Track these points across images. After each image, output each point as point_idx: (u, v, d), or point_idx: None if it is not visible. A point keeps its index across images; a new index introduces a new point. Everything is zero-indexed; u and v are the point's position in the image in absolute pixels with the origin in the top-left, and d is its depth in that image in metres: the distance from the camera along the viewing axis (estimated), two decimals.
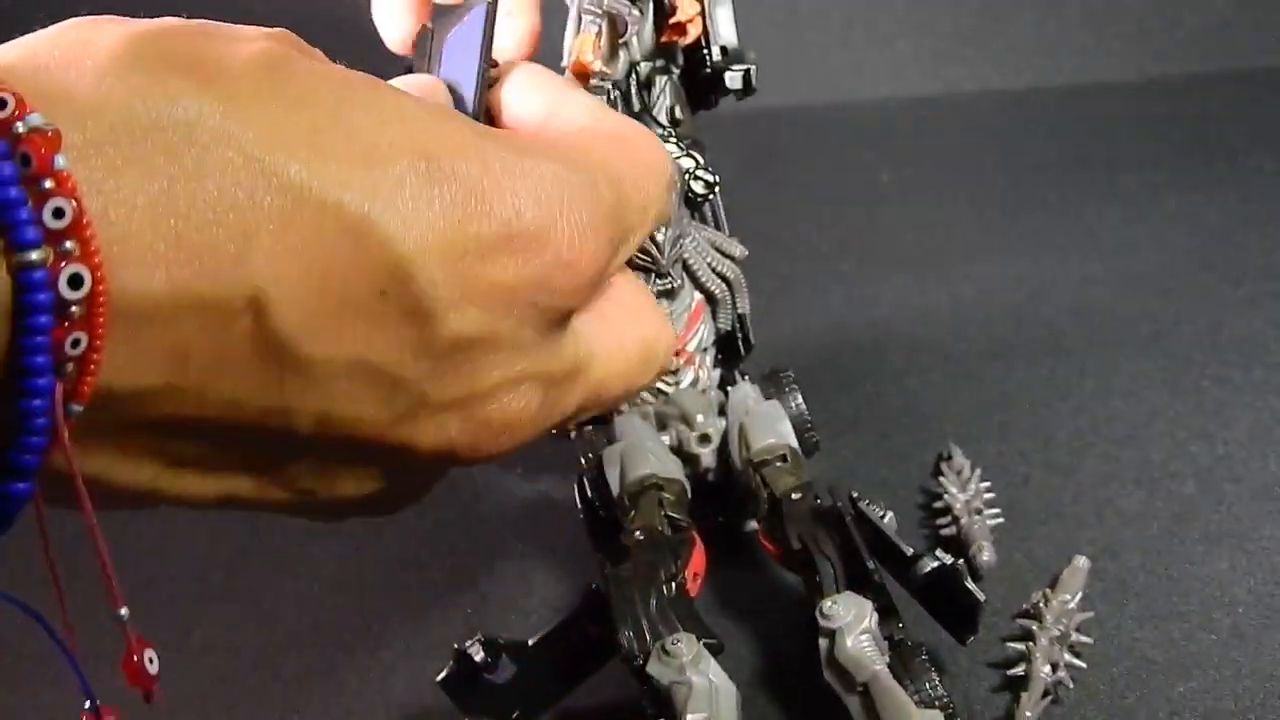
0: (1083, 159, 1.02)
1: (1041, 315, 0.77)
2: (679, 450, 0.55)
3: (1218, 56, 1.19)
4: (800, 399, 0.58)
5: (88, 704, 0.28)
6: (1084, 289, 0.80)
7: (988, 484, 0.59)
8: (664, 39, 0.53)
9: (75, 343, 0.24)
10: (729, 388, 0.58)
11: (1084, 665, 0.49)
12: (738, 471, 0.54)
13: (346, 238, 0.26)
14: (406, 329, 0.28)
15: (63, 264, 0.23)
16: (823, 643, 0.44)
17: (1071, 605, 0.50)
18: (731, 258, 0.56)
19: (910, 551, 0.47)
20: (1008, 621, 0.52)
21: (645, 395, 0.56)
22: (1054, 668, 0.48)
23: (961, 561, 0.46)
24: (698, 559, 0.51)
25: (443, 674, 0.45)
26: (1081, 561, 0.54)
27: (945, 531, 0.57)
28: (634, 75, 0.53)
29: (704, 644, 0.45)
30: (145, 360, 0.25)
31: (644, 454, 0.53)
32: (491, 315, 0.29)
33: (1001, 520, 0.57)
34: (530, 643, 0.47)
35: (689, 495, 0.54)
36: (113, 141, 0.24)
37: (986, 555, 0.53)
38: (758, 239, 0.82)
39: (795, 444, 0.54)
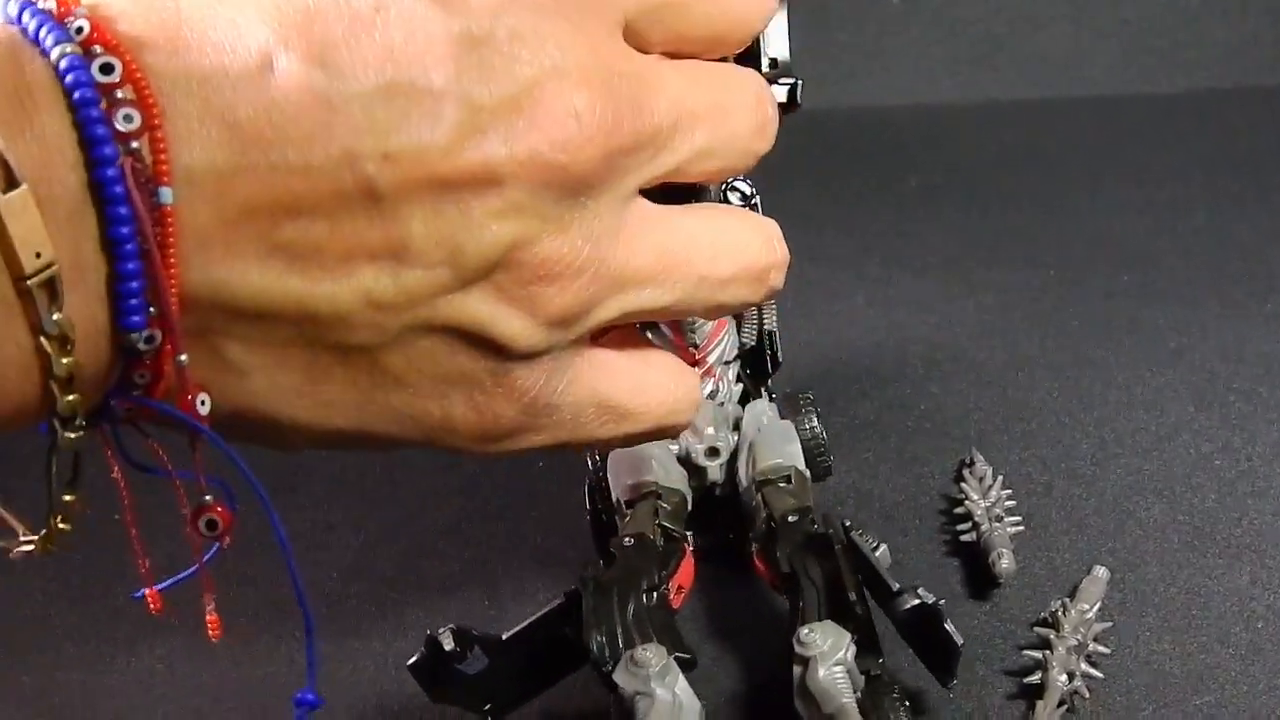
0: (1111, 170, 1.02)
1: (1065, 325, 0.77)
2: (686, 461, 0.55)
3: (1248, 71, 1.18)
4: (815, 421, 0.58)
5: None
6: (1109, 300, 0.80)
7: (1009, 491, 0.59)
8: None
9: (128, 118, 0.26)
10: (748, 404, 0.58)
11: (1100, 675, 0.49)
12: (743, 489, 0.54)
13: None
14: (417, 35, 0.28)
15: (93, 60, 0.26)
16: (796, 670, 0.44)
17: (1090, 615, 0.50)
18: None
19: (895, 587, 0.46)
20: (1025, 629, 0.52)
21: None
22: (1070, 677, 0.48)
23: (944, 602, 0.45)
24: (685, 572, 0.51)
25: (413, 659, 0.45)
26: (1101, 572, 0.53)
27: (965, 538, 0.57)
28: None
29: (675, 657, 0.44)
30: (202, 133, 0.27)
31: (647, 461, 0.53)
32: (500, 4, 0.29)
33: (1022, 528, 0.57)
34: (504, 637, 0.47)
35: (689, 507, 0.53)
36: None
37: (1006, 562, 0.53)
38: (792, 241, 0.82)
39: (802, 466, 0.54)
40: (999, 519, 0.56)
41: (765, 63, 0.53)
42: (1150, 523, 0.58)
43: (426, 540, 0.63)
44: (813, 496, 0.53)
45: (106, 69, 0.26)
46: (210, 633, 0.33)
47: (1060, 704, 0.47)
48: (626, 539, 0.50)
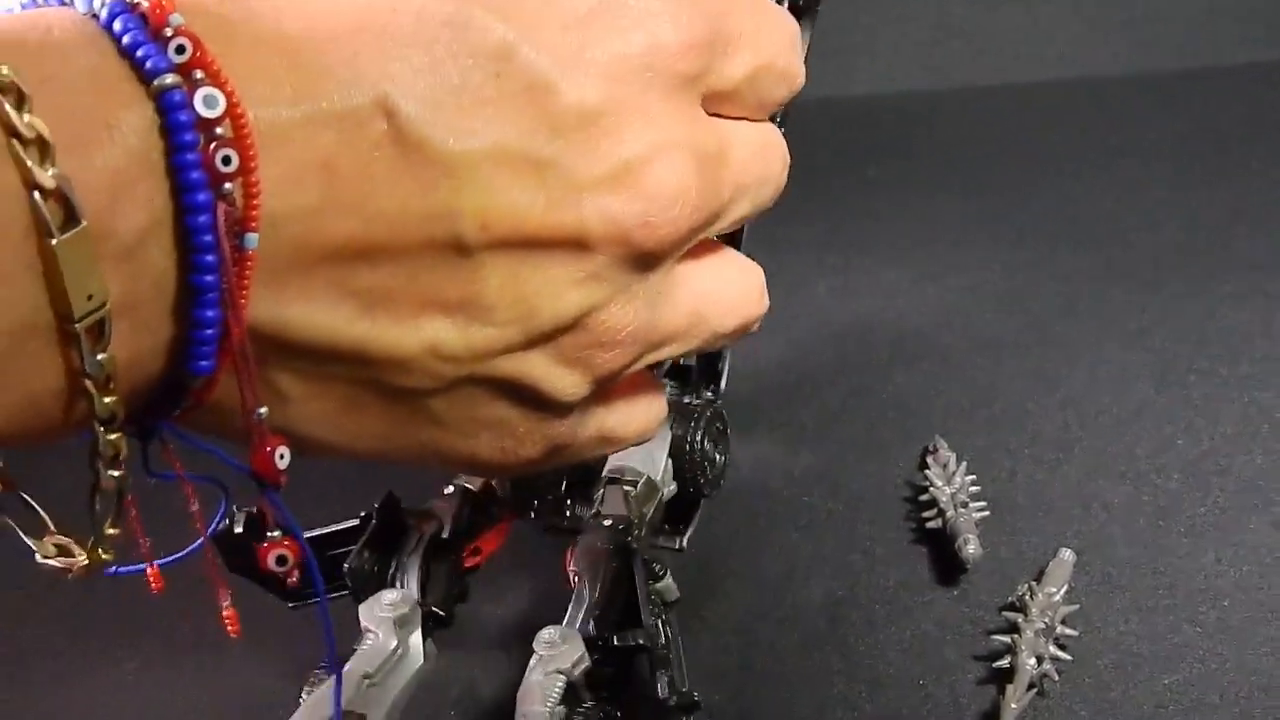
0: (1072, 153, 1.02)
1: (1029, 308, 0.77)
2: None
3: (1209, 50, 1.19)
4: (698, 436, 0.56)
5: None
6: (1072, 282, 0.80)
7: (973, 477, 0.59)
8: None
9: (226, 159, 0.25)
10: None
11: (1069, 658, 0.49)
12: (597, 480, 0.54)
13: (445, 30, 0.28)
14: (529, 106, 0.28)
15: (195, 89, 0.24)
16: (529, 665, 0.44)
17: (1057, 598, 0.50)
18: None
19: (646, 620, 0.45)
20: (993, 614, 0.52)
21: None
22: (1039, 660, 0.48)
23: (665, 649, 0.45)
24: (491, 538, 0.51)
25: (212, 530, 0.46)
26: (1067, 554, 0.54)
27: (931, 524, 0.57)
28: None
29: (431, 610, 0.45)
30: (297, 177, 0.26)
31: None
32: (607, 82, 0.29)
33: (987, 513, 0.57)
34: (304, 536, 0.47)
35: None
36: (218, 1, 0.26)
37: (972, 548, 0.53)
38: (761, 231, 0.82)
39: (658, 475, 0.54)
40: (964, 505, 0.56)
41: None
42: (1115, 504, 0.59)
43: None
44: (653, 509, 0.53)
45: (210, 102, 0.24)
46: (229, 629, 0.33)
47: (1030, 687, 0.47)
48: (448, 488, 0.50)
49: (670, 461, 0.56)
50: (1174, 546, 0.56)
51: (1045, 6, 1.21)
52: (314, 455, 0.31)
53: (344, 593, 0.48)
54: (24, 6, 0.27)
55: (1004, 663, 0.48)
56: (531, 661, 0.44)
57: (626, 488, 0.52)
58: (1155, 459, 0.62)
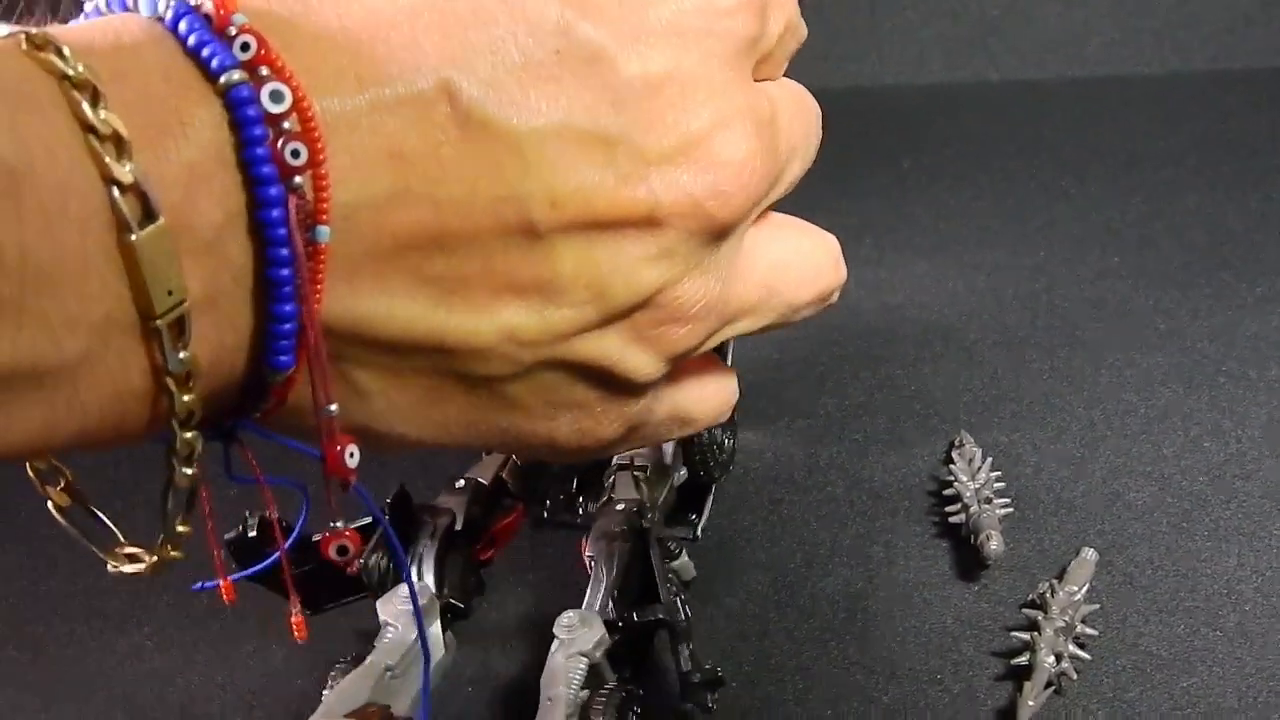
0: (1104, 152, 1.02)
1: (1057, 306, 0.77)
2: None
3: (1241, 54, 1.18)
4: (714, 430, 0.56)
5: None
6: (1100, 281, 0.80)
7: (998, 473, 0.59)
8: None
9: (295, 153, 0.25)
10: None
11: (1088, 657, 0.49)
12: (607, 469, 0.54)
13: (503, 10, 0.28)
14: (592, 81, 0.28)
15: (261, 85, 0.24)
16: (550, 649, 0.44)
17: (1078, 597, 0.50)
18: None
19: (664, 598, 0.46)
20: (1013, 611, 0.52)
21: None
22: (1058, 659, 0.48)
23: (685, 624, 0.45)
24: (505, 526, 0.51)
25: (229, 535, 0.46)
26: (1089, 554, 0.53)
27: (954, 519, 0.57)
28: None
29: (450, 602, 0.45)
30: (366, 166, 0.26)
31: None
32: (669, 51, 0.29)
33: (1011, 510, 0.57)
34: (313, 538, 0.47)
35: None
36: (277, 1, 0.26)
37: (994, 544, 0.53)
38: None
39: (668, 459, 0.54)
40: (988, 501, 0.56)
41: None
42: (1139, 505, 0.58)
43: None
44: (665, 493, 0.53)
45: (276, 97, 0.25)
46: (296, 635, 0.34)
47: (1047, 685, 0.47)
48: (459, 481, 0.51)
49: (679, 447, 0.56)
50: (1197, 549, 0.55)
51: (1084, 6, 1.20)
52: (395, 451, 0.31)
53: (363, 595, 0.49)
54: (87, 16, 0.27)
55: (1022, 660, 0.48)
56: (553, 646, 0.44)
57: (636, 473, 0.52)
58: (1181, 460, 0.61)
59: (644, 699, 0.45)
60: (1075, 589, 0.51)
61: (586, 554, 0.49)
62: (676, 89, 0.29)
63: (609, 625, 0.45)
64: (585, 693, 0.43)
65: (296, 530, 0.32)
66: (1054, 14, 1.21)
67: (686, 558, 0.52)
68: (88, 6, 0.27)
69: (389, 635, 0.44)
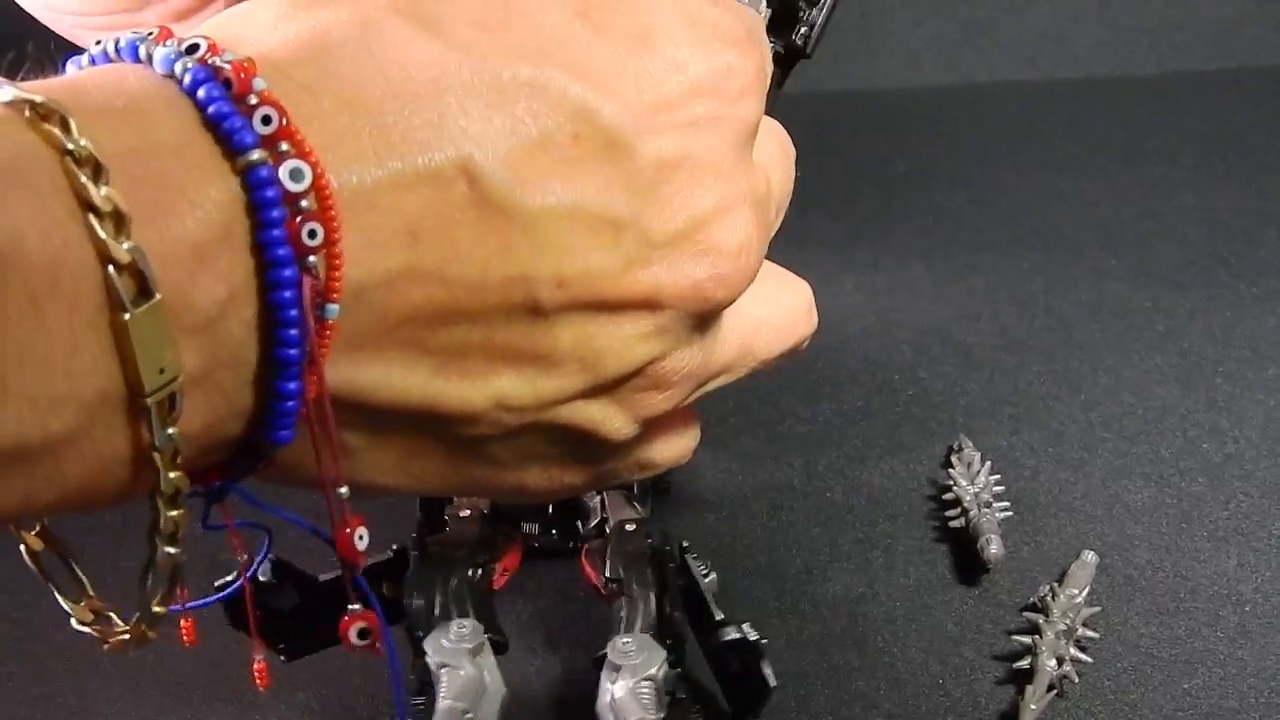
0: (1099, 152, 1.02)
1: (1054, 308, 0.77)
2: None
3: (1237, 52, 1.18)
4: None
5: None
6: (1098, 283, 0.80)
7: (997, 477, 0.59)
8: None
9: (312, 233, 0.24)
10: None
11: (1089, 660, 0.49)
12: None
13: (525, 91, 0.28)
14: (608, 166, 0.29)
15: (280, 161, 0.24)
16: (606, 676, 0.43)
17: (1078, 600, 0.50)
18: None
19: (719, 617, 0.46)
20: (1014, 615, 0.52)
21: None
22: (1059, 662, 0.48)
23: (765, 641, 0.45)
24: (513, 555, 0.51)
25: (250, 572, 0.45)
26: (1089, 556, 0.53)
27: (954, 524, 0.57)
28: None
29: (489, 638, 0.44)
30: (381, 243, 0.26)
31: None
32: (681, 138, 0.30)
33: (1010, 513, 0.57)
34: (320, 579, 0.47)
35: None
36: (298, 64, 0.26)
37: (994, 548, 0.53)
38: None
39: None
40: (987, 504, 0.56)
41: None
42: (1138, 507, 0.58)
43: None
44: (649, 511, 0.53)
45: (296, 175, 0.24)
46: (258, 681, 0.34)
47: (1049, 689, 0.47)
48: (463, 511, 0.50)
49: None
50: (1196, 550, 0.56)
51: (1072, 5, 1.20)
52: (369, 496, 0.31)
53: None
54: (94, 60, 0.26)
55: (1024, 663, 0.48)
56: (608, 675, 0.43)
57: (628, 491, 0.52)
58: (1179, 462, 0.62)
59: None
60: (1076, 592, 0.51)
61: (605, 576, 0.48)
62: (685, 175, 0.30)
63: (667, 647, 0.44)
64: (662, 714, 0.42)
65: (255, 565, 0.32)
66: (1044, 15, 1.21)
67: (714, 575, 0.51)
68: (94, 49, 0.26)
69: (451, 676, 0.43)
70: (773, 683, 0.44)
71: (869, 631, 0.52)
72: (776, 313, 0.36)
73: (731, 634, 0.45)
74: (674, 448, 0.37)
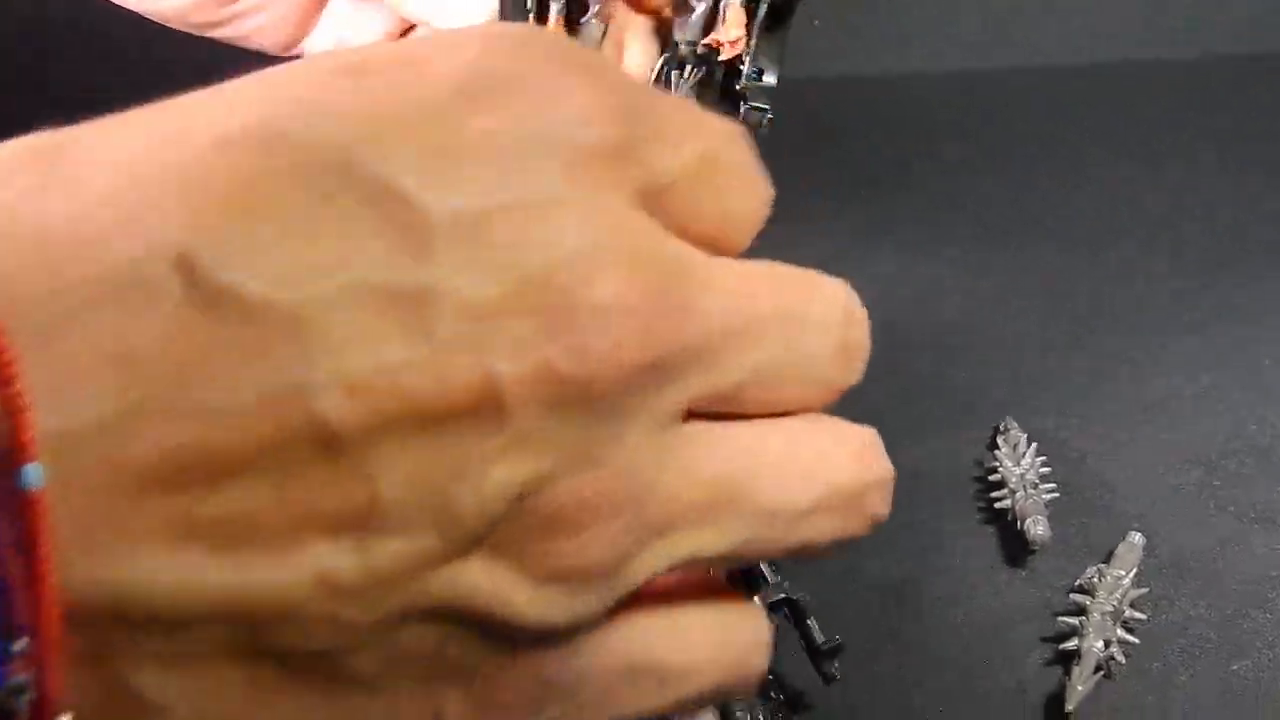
0: (1134, 137, 1.01)
1: (1097, 292, 0.77)
2: None
3: (1271, 37, 1.17)
4: None
5: None
6: (1140, 265, 0.80)
7: (1043, 458, 0.59)
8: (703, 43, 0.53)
9: None
10: None
11: (1136, 641, 0.49)
12: None
13: (258, 149, 0.22)
14: (383, 226, 0.21)
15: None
16: None
17: (1125, 581, 0.50)
18: None
19: (768, 577, 0.45)
20: (1061, 597, 0.52)
21: None
22: (1106, 643, 0.48)
23: (808, 599, 0.45)
24: None
25: None
26: (1136, 538, 0.53)
27: (1000, 505, 0.57)
28: (674, 50, 0.54)
29: None
30: (83, 377, 0.20)
31: None
32: (491, 174, 0.22)
33: (1057, 495, 0.57)
34: None
35: None
36: None
37: (1040, 529, 0.53)
38: (814, 212, 0.82)
39: None
40: (1034, 486, 0.56)
41: (749, 71, 0.52)
42: (1185, 488, 0.58)
43: None
44: None
45: None
46: None
47: (1096, 670, 0.47)
48: None
49: None
50: (1243, 532, 0.55)
51: None
52: None
53: None
54: None
55: (1070, 645, 0.48)
56: None
57: None
58: (1226, 444, 0.61)
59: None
60: (1122, 573, 0.51)
61: None
62: (505, 221, 0.22)
63: None
64: None
65: None
66: None
67: None
68: None
69: None
70: (819, 639, 0.45)
71: (916, 612, 0.52)
72: (787, 447, 0.25)
73: (775, 595, 0.45)
74: (700, 647, 0.26)
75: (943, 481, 0.60)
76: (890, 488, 0.28)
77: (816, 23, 1.12)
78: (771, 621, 0.31)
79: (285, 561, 0.20)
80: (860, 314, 0.27)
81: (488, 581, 0.22)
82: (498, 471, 0.21)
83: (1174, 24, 1.18)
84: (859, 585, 0.54)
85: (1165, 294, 0.76)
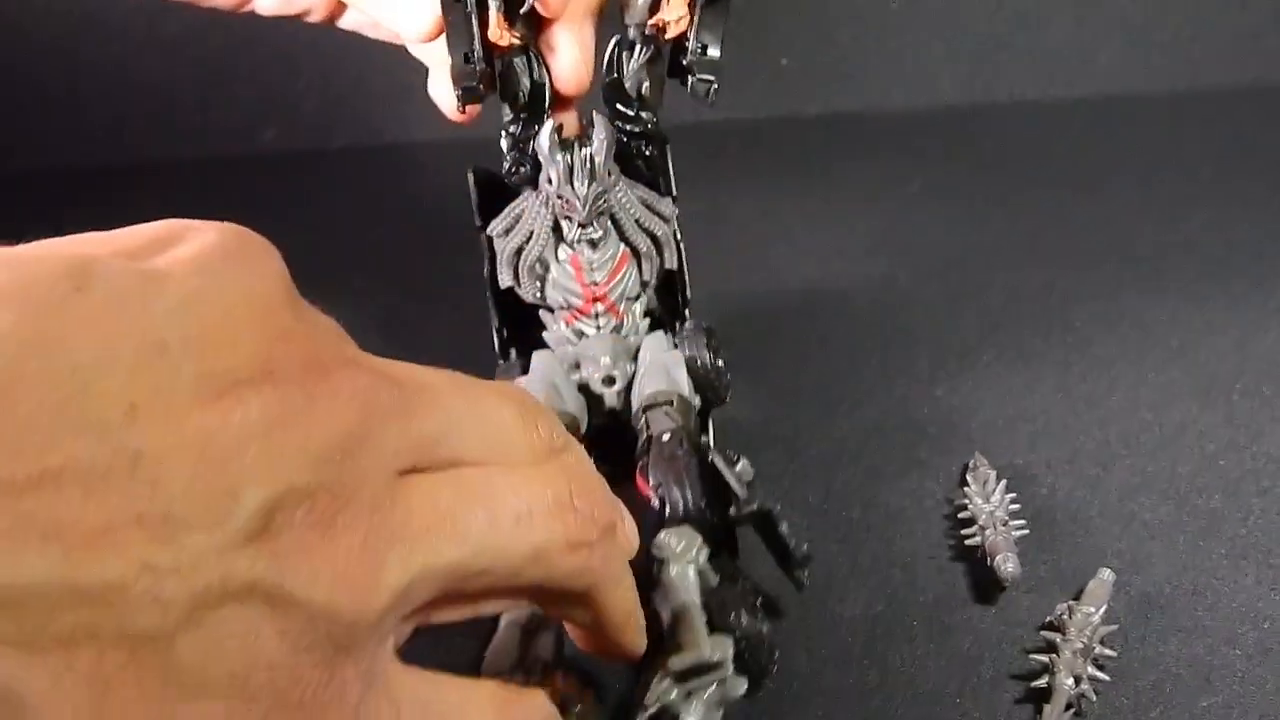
0: (1115, 169, 1.02)
1: (1071, 324, 0.77)
2: (585, 389, 0.57)
3: (1254, 69, 1.18)
4: (704, 351, 0.59)
5: None
6: (1114, 298, 0.80)
7: (1013, 495, 0.59)
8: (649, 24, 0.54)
9: None
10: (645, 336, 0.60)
11: (1107, 678, 0.49)
12: (634, 414, 0.56)
13: None
14: None
15: None
16: (655, 570, 0.46)
17: (1096, 618, 0.50)
18: (661, 216, 0.58)
19: (742, 495, 0.49)
20: (1031, 633, 0.52)
21: (568, 335, 0.59)
22: (1077, 680, 0.48)
23: (778, 508, 0.48)
24: None
25: None
26: (1106, 574, 0.53)
27: (970, 542, 0.57)
28: (623, 34, 0.56)
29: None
30: None
31: (547, 388, 0.56)
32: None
33: (1026, 531, 0.57)
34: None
35: (581, 429, 0.56)
36: None
37: (1011, 566, 0.53)
38: (785, 243, 0.83)
39: (687, 392, 0.56)
40: (1003, 523, 0.56)
41: (694, 46, 0.55)
42: (1155, 524, 0.58)
43: None
44: (694, 420, 0.56)
45: None
46: None
47: (1068, 707, 0.47)
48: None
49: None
50: (1214, 567, 0.55)
51: (1090, 24, 1.20)
52: None
53: None
54: None
55: (1041, 682, 0.48)
56: (655, 567, 0.46)
57: (666, 407, 0.55)
58: (1196, 478, 0.61)
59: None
60: (1093, 610, 0.51)
61: (652, 484, 0.50)
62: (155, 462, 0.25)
63: (702, 533, 0.47)
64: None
65: None
66: (1062, 32, 1.21)
67: (746, 462, 0.53)
68: None
69: None
70: (791, 543, 0.48)
71: (886, 649, 0.52)
72: (501, 476, 0.32)
73: (746, 509, 0.48)
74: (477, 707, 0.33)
75: (914, 518, 0.60)
76: (600, 490, 0.34)
77: (785, 61, 1.14)
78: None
79: (110, 552, 0.24)
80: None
81: (273, 571, 0.26)
82: (262, 485, 0.26)
83: (1161, 57, 1.20)
84: (829, 622, 0.54)
85: (1138, 328, 0.76)
